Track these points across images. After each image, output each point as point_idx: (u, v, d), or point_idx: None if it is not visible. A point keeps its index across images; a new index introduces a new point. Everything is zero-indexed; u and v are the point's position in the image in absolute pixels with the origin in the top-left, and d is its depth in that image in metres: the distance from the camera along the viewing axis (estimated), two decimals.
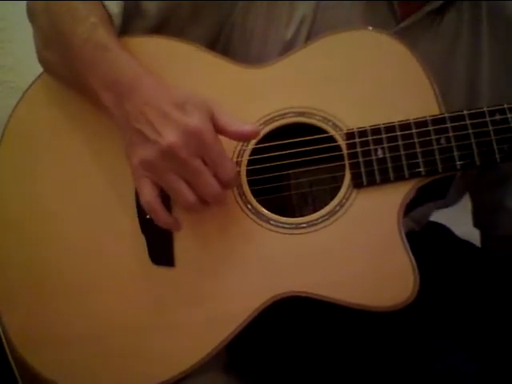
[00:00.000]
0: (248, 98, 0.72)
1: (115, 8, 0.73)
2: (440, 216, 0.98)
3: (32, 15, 0.75)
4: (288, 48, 0.76)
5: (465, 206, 0.96)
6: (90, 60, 0.68)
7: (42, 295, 0.72)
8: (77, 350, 0.70)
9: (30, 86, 0.79)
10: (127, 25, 0.77)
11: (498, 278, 0.81)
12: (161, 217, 0.64)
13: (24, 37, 0.81)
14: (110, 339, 0.70)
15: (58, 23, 0.71)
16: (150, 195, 0.63)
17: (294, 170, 0.72)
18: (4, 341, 0.91)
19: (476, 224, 0.93)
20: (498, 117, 0.65)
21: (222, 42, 0.80)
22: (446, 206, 0.92)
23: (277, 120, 0.71)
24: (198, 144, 0.61)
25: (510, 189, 0.85)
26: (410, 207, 0.71)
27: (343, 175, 0.69)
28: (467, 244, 0.93)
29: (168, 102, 0.63)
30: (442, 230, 0.99)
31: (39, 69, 0.79)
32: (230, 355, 0.82)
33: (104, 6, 0.72)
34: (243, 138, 0.67)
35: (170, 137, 0.60)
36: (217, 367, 0.92)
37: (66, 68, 0.72)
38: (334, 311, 0.69)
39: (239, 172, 0.68)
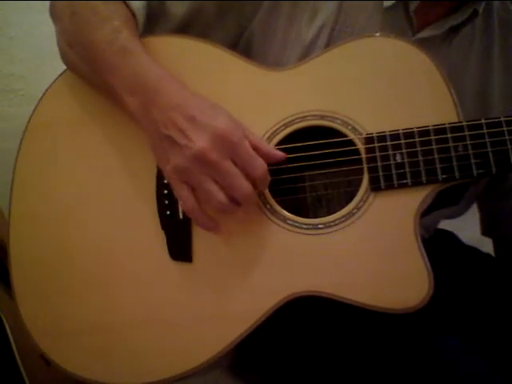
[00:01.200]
0: (270, 99, 0.73)
1: (139, 6, 0.74)
2: (446, 223, 0.99)
3: (56, 16, 0.76)
4: (308, 50, 0.77)
5: (470, 214, 0.97)
6: (113, 64, 0.69)
7: (60, 287, 0.74)
8: (93, 341, 0.71)
9: (54, 82, 0.80)
10: (151, 25, 0.78)
11: (504, 282, 0.82)
12: (202, 220, 0.66)
13: (34, 45, 0.82)
14: (127, 332, 0.71)
15: (82, 26, 0.72)
16: (189, 200, 0.65)
17: (311, 172, 0.73)
18: (14, 346, 0.92)
19: (484, 232, 0.94)
20: None
21: (242, 43, 0.81)
22: (454, 216, 0.94)
23: (297, 122, 0.72)
24: (227, 146, 0.62)
25: None
26: (424, 212, 0.73)
27: (358, 179, 0.70)
28: (474, 250, 0.94)
29: (194, 106, 0.65)
30: (450, 237, 1.00)
31: (49, 77, 0.80)
32: (236, 355, 0.83)
33: (127, 5, 0.73)
34: (271, 159, 0.68)
35: (199, 141, 0.62)
36: (222, 366, 0.93)
37: (90, 69, 0.73)
38: (340, 311, 0.70)
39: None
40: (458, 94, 0.73)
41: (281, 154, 0.68)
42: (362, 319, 0.72)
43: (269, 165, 0.70)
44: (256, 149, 0.66)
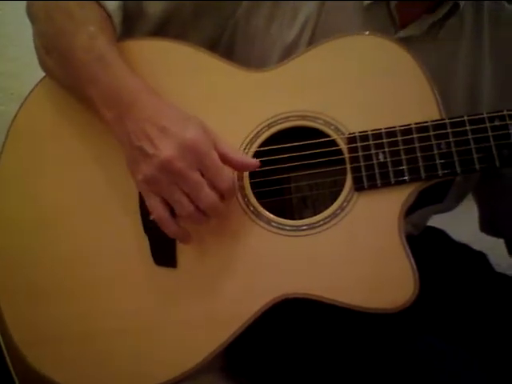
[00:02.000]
0: (252, 101, 0.73)
1: (115, 8, 0.73)
2: (438, 221, 0.99)
3: (32, 16, 0.76)
4: (290, 50, 0.77)
5: (462, 211, 0.97)
6: (90, 73, 0.69)
7: (45, 294, 0.73)
8: (77, 348, 0.71)
9: (33, 89, 0.79)
10: (128, 26, 0.77)
11: (496, 281, 0.82)
12: (171, 229, 0.66)
13: (25, 43, 0.81)
14: (110, 339, 0.70)
15: (58, 31, 0.71)
16: (158, 209, 0.65)
17: (295, 173, 0.73)
18: (2, 343, 0.91)
19: (483, 229, 0.94)
20: (497, 123, 0.66)
21: (224, 44, 0.80)
22: (444, 211, 0.93)
23: (280, 123, 0.71)
24: (194, 156, 0.62)
25: None
26: (408, 210, 0.72)
27: (343, 179, 0.70)
28: (465, 247, 0.94)
29: (166, 117, 0.65)
30: (440, 235, 1.00)
31: (40, 75, 0.79)
32: (228, 358, 0.83)
33: (103, 7, 0.72)
34: (244, 168, 0.68)
35: (166, 150, 0.62)
36: (213, 370, 0.93)
37: (67, 76, 0.73)
38: (331, 313, 0.69)
39: (238, 183, 0.70)
40: (446, 86, 0.73)
41: (254, 162, 0.68)
42: (350, 320, 0.72)
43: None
44: (228, 159, 0.65)
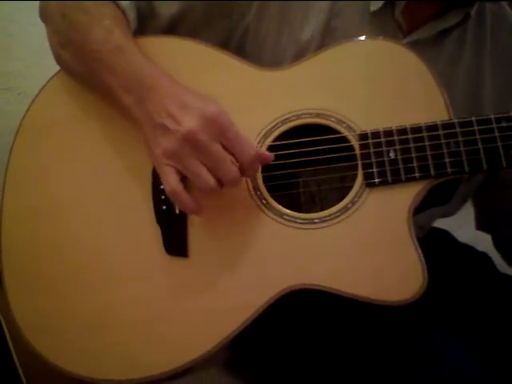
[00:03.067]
0: (265, 98, 0.74)
1: (128, 7, 0.75)
2: (442, 223, 1.01)
3: (46, 17, 0.77)
4: (302, 51, 0.78)
5: (466, 213, 0.99)
6: (108, 63, 0.70)
7: (51, 284, 0.73)
8: (87, 337, 0.71)
9: (48, 81, 0.80)
10: (141, 26, 0.79)
11: (499, 280, 0.84)
12: (184, 202, 0.65)
13: (33, 43, 0.82)
14: (120, 327, 0.70)
15: (74, 26, 0.73)
16: (174, 181, 0.64)
17: (306, 168, 0.74)
18: (9, 340, 0.91)
19: (479, 227, 0.95)
20: (504, 124, 0.68)
21: (234, 45, 0.82)
22: (448, 215, 0.95)
23: (292, 120, 0.73)
24: (216, 128, 0.63)
25: None
26: (415, 210, 0.74)
27: (352, 176, 0.71)
28: (469, 248, 0.96)
29: (187, 96, 0.66)
30: (445, 236, 1.02)
31: (47, 75, 0.80)
32: (233, 352, 0.83)
33: (117, 5, 0.74)
34: (260, 160, 0.68)
35: (189, 123, 0.63)
36: (219, 364, 0.93)
37: (84, 69, 0.74)
38: (336, 306, 0.71)
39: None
40: (449, 94, 0.75)
41: (269, 155, 0.68)
42: (355, 314, 0.73)
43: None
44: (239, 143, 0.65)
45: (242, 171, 0.65)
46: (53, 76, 0.80)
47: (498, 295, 0.81)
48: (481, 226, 0.95)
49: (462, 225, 1.02)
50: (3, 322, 0.91)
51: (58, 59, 0.78)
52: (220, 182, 0.65)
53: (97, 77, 0.72)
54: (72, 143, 0.77)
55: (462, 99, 0.81)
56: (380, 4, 0.77)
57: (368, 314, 0.73)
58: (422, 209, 0.76)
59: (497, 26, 0.82)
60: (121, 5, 0.74)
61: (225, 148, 0.64)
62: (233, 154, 0.64)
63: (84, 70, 0.74)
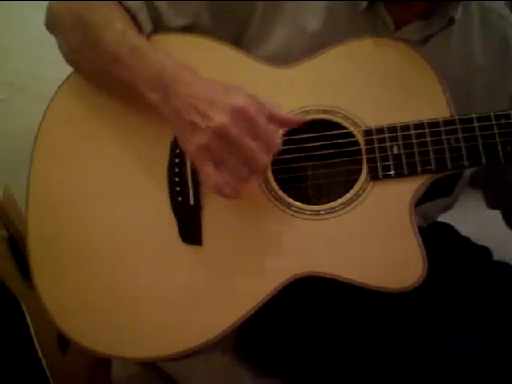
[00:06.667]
0: (275, 94, 0.77)
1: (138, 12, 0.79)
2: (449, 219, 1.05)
3: (56, 26, 0.81)
4: (307, 49, 0.80)
5: (470, 211, 1.01)
6: (127, 64, 0.73)
7: (76, 267, 0.78)
8: (107, 317, 0.76)
9: (66, 79, 0.85)
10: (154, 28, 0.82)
11: (496, 269, 0.87)
12: (228, 193, 0.68)
13: (47, 44, 0.86)
14: (139, 308, 0.75)
15: (88, 28, 0.76)
16: (214, 176, 0.67)
17: (313, 162, 0.78)
18: (34, 336, 0.96)
19: (490, 206, 0.98)
20: (503, 121, 0.72)
21: (242, 45, 0.84)
22: (449, 207, 0.98)
23: (301, 116, 0.77)
24: (245, 121, 0.66)
25: None
26: (419, 201, 0.78)
27: (357, 170, 0.75)
28: (467, 240, 1.00)
29: (211, 90, 0.68)
30: (447, 229, 1.05)
31: (62, 75, 0.84)
32: (240, 337, 0.87)
33: (128, 9, 0.78)
34: (291, 123, 0.73)
35: (219, 118, 0.65)
36: (224, 348, 0.97)
37: (100, 71, 0.77)
38: (343, 293, 0.74)
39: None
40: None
41: (299, 118, 0.73)
42: (361, 300, 0.76)
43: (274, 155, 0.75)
44: (275, 117, 0.70)
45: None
46: (69, 75, 0.85)
47: (495, 283, 0.84)
48: (491, 204, 0.98)
49: (466, 223, 1.05)
50: (28, 318, 0.97)
51: (73, 65, 0.82)
52: (254, 173, 0.68)
53: (116, 77, 0.75)
54: (92, 137, 0.82)
55: (454, 92, 0.80)
56: (365, 4, 0.79)
57: (373, 300, 0.76)
58: (424, 200, 0.80)
59: (484, 20, 0.84)
60: (131, 8, 0.78)
61: (254, 139, 0.66)
62: (262, 144, 0.67)
63: (100, 73, 0.78)
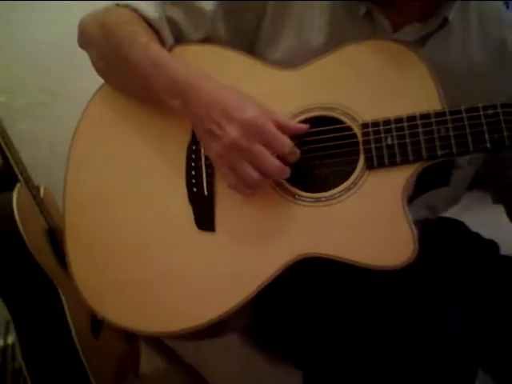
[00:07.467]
0: (282, 94, 0.86)
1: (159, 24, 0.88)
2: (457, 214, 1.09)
3: (88, 42, 0.91)
4: (312, 53, 0.87)
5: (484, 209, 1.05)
6: (150, 75, 0.83)
7: (105, 252, 0.88)
8: (133, 295, 0.85)
9: (100, 86, 0.95)
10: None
11: (503, 261, 0.92)
12: (243, 191, 0.79)
13: (81, 51, 0.96)
14: (158, 287, 0.85)
15: (114, 46, 0.86)
16: (231, 179, 0.79)
17: (315, 154, 0.85)
18: (71, 326, 1.07)
19: (495, 201, 1.02)
20: (490, 111, 0.77)
21: (255, 51, 0.93)
22: (456, 199, 1.02)
23: (304, 113, 0.85)
24: (255, 133, 0.76)
25: None
26: (416, 192, 0.84)
27: (355, 160, 0.81)
28: (476, 235, 1.04)
29: (226, 100, 0.78)
30: (457, 224, 1.09)
31: (99, 81, 0.94)
32: (256, 322, 0.95)
33: (151, 25, 0.87)
34: (297, 131, 0.81)
35: (232, 132, 0.76)
36: (241, 335, 1.05)
37: (133, 84, 0.87)
38: (344, 276, 0.81)
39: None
40: (445, 86, 0.83)
41: (304, 126, 0.81)
42: (361, 283, 0.83)
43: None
44: (281, 126, 0.78)
45: (286, 160, 0.78)
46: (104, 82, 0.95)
47: (500, 274, 0.89)
48: (494, 199, 1.02)
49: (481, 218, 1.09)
50: (66, 306, 1.07)
51: (103, 77, 0.92)
52: (266, 175, 0.77)
53: (141, 86, 0.85)
54: (121, 137, 0.92)
55: (453, 88, 0.84)
56: (363, 10, 0.86)
57: (372, 281, 0.82)
58: (422, 190, 0.86)
59: (482, 22, 0.89)
60: (154, 24, 0.87)
61: (265, 145, 0.76)
62: (272, 149, 0.77)
63: (127, 82, 0.89)
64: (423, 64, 0.82)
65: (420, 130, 0.79)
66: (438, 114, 0.79)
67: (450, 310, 0.80)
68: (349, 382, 0.79)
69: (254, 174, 0.77)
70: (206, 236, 0.84)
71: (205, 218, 0.85)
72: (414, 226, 0.76)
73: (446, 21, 0.86)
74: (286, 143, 0.77)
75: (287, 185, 0.83)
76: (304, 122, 0.84)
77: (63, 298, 1.12)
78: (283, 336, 0.95)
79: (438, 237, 1.01)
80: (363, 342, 0.80)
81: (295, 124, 0.82)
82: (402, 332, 0.77)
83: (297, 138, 0.83)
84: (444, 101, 0.80)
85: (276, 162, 0.77)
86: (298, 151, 0.79)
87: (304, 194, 0.82)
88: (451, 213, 1.07)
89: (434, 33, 0.87)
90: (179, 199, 0.86)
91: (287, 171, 0.78)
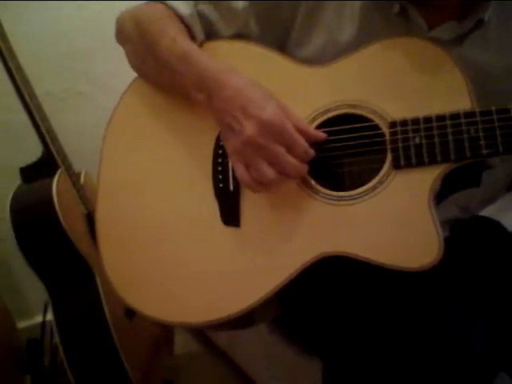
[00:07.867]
0: (310, 91, 0.86)
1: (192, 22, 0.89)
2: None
3: (124, 38, 0.93)
4: (341, 51, 0.87)
5: None
6: (177, 68, 0.85)
7: (135, 246, 0.90)
8: (159, 287, 0.88)
9: (135, 78, 0.97)
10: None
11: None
12: (253, 187, 0.80)
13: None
14: (185, 279, 0.87)
15: (146, 41, 0.89)
16: (243, 174, 0.79)
17: (342, 152, 0.85)
18: (106, 309, 1.10)
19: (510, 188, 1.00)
20: None
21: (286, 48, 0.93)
22: (493, 199, 1.00)
23: (332, 110, 0.84)
24: (272, 131, 0.76)
25: None
26: (446, 193, 0.82)
27: (382, 159, 0.81)
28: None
29: (245, 97, 0.79)
30: (492, 224, 1.06)
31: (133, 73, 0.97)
32: (282, 314, 0.96)
33: (183, 21, 0.89)
34: (313, 139, 0.81)
35: (249, 130, 0.77)
36: (270, 326, 1.07)
37: (162, 77, 0.89)
38: (363, 275, 0.80)
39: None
40: (484, 85, 0.81)
41: (322, 135, 0.81)
42: (384, 278, 0.82)
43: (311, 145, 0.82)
44: (299, 130, 0.79)
45: (301, 160, 0.78)
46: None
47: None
48: None
49: None
50: (101, 293, 1.11)
51: (136, 71, 0.95)
52: (283, 173, 0.78)
53: (169, 80, 0.87)
54: (152, 129, 0.94)
55: (492, 91, 0.83)
56: (397, 8, 0.84)
57: (398, 279, 0.81)
58: (452, 190, 0.84)
59: None
60: (185, 19, 0.89)
61: (281, 144, 0.77)
62: (289, 149, 0.77)
63: (158, 76, 0.91)
64: (455, 65, 0.80)
65: (449, 130, 0.77)
66: (467, 115, 0.77)
67: (471, 320, 0.78)
68: (366, 378, 0.79)
69: (270, 173, 0.77)
70: (231, 231, 0.85)
71: (230, 213, 0.86)
72: (440, 227, 0.75)
73: (481, 21, 0.83)
74: (302, 144, 0.78)
75: (312, 182, 0.83)
76: (332, 119, 0.84)
77: (98, 280, 1.17)
78: (306, 328, 0.96)
79: (470, 237, 0.98)
80: (383, 341, 0.79)
81: (314, 131, 0.82)
82: (419, 340, 0.76)
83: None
84: (474, 100, 0.78)
85: (294, 162, 0.77)
86: (312, 152, 0.80)
87: (329, 192, 0.82)
88: (486, 212, 1.04)
89: (470, 32, 0.85)
90: (206, 194, 0.87)
91: (304, 169, 0.79)
